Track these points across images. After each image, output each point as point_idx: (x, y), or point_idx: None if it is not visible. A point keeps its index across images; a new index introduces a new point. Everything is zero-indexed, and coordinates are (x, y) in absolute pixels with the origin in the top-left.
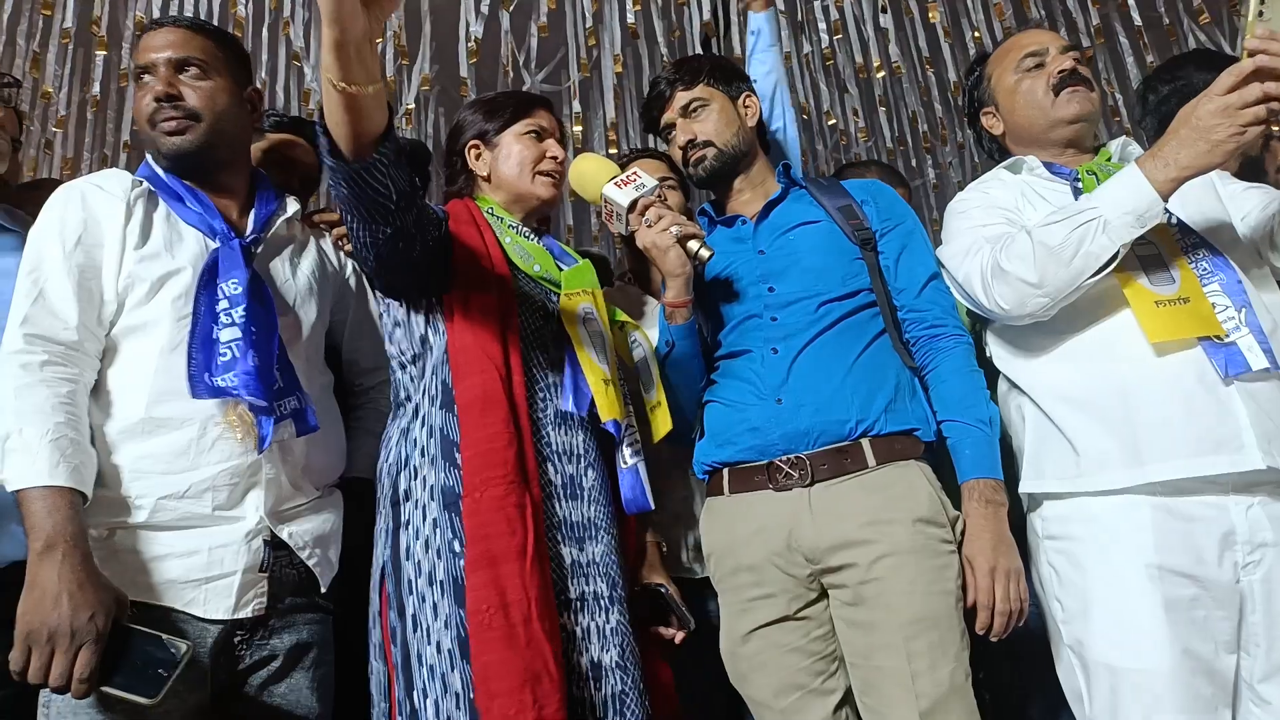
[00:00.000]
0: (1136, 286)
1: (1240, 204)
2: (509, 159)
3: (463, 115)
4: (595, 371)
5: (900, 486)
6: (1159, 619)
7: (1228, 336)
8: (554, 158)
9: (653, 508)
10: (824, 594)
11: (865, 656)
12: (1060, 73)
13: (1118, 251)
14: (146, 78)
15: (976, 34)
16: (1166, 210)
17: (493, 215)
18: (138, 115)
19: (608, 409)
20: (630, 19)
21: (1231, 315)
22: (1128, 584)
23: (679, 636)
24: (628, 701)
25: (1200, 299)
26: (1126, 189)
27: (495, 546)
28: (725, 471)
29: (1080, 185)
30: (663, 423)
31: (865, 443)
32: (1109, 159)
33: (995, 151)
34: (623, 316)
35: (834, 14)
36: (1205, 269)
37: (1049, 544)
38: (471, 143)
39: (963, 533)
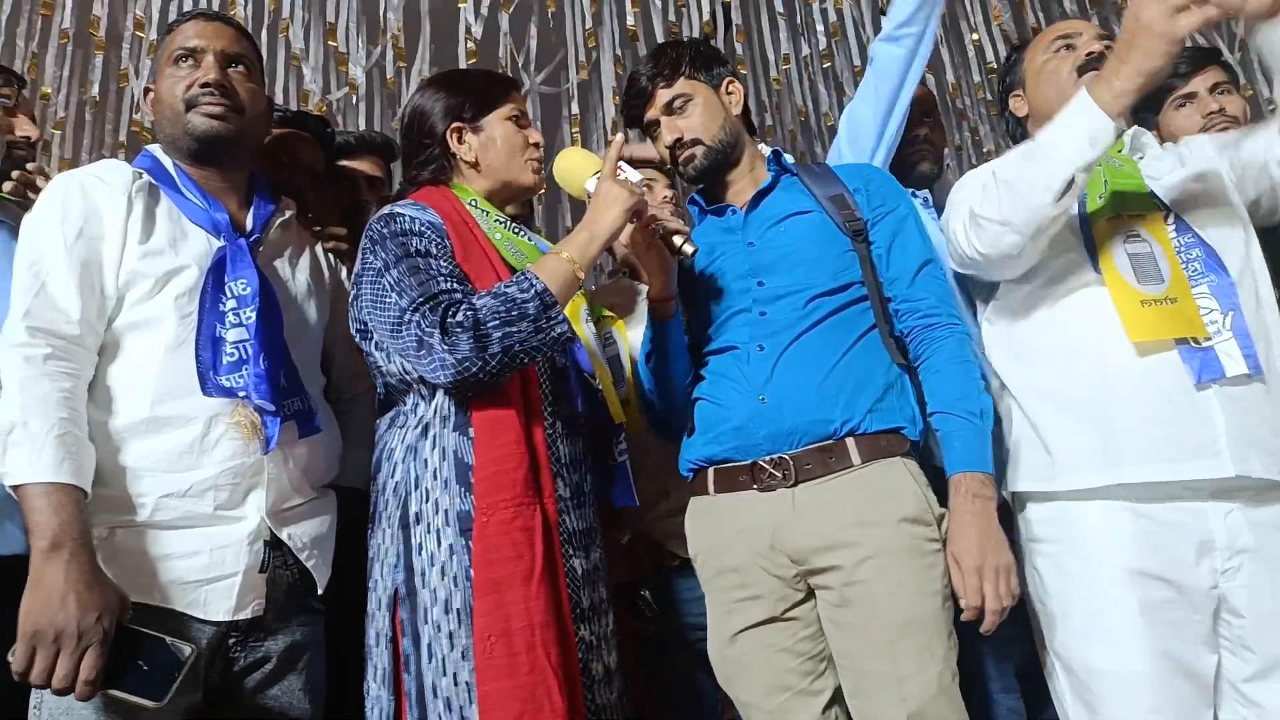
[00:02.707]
0: (1123, 284)
1: (1230, 160)
2: (496, 145)
3: (430, 97)
4: (604, 374)
5: (885, 485)
6: (1135, 622)
7: (1208, 340)
8: (536, 144)
9: (638, 504)
10: (811, 594)
11: (852, 658)
12: (1088, 55)
13: (1074, 179)
14: (187, 62)
15: (975, 36)
16: (1157, 200)
17: (476, 208)
18: (167, 95)
19: (617, 413)
20: (630, 20)
21: (1216, 319)
22: (1105, 588)
23: (652, 629)
24: (625, 702)
25: (1187, 299)
26: (1074, 112)
27: (500, 572)
28: (710, 471)
29: None
30: (627, 419)
31: (850, 441)
32: (1120, 150)
33: (1017, 134)
34: (601, 312)
35: (832, 16)
36: (1197, 269)
37: (1033, 546)
38: (454, 126)
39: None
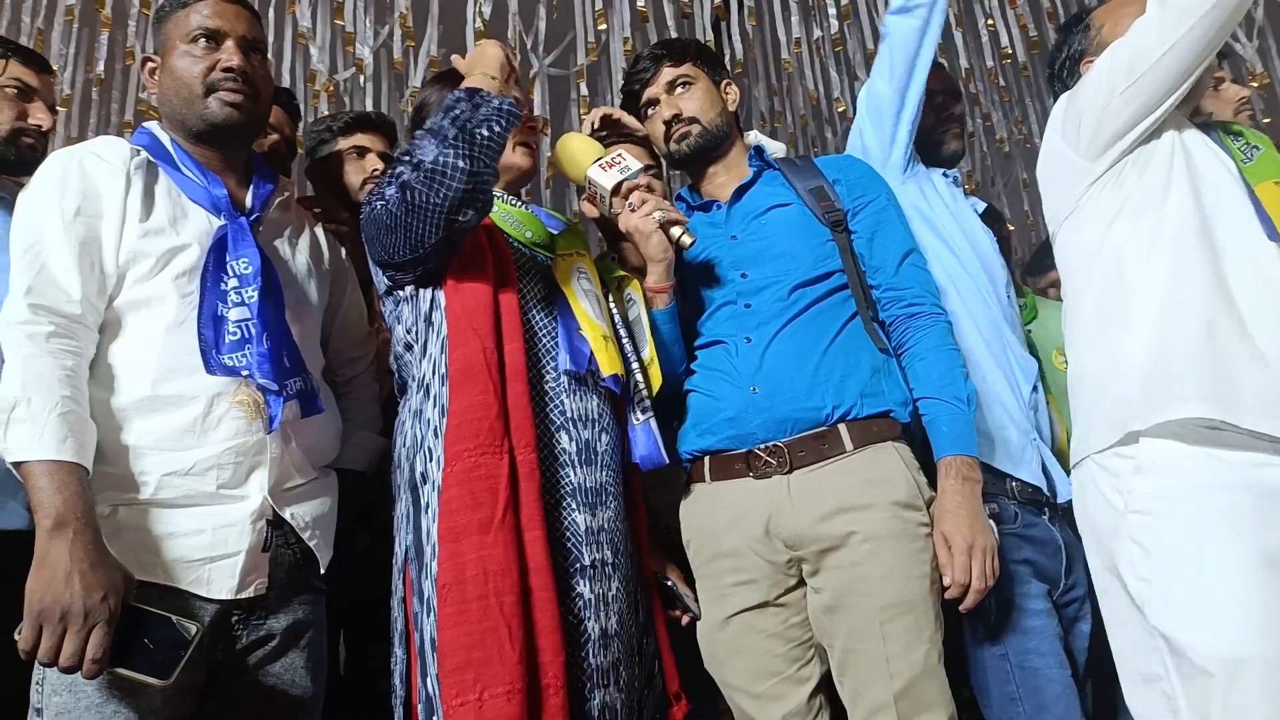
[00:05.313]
0: None
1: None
2: None
3: (431, 89)
4: (593, 328)
5: (877, 469)
6: (1260, 604)
7: None
8: (531, 127)
9: (668, 462)
10: (802, 582)
11: (842, 639)
12: None
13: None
14: (204, 42)
15: (990, 22)
16: None
17: None
18: (183, 74)
19: (608, 364)
20: (640, 2)
21: None
22: (1227, 567)
23: (685, 619)
24: (620, 670)
25: None
26: None
27: (459, 520)
28: (706, 459)
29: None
30: (655, 378)
31: (842, 427)
32: None
33: None
34: (620, 272)
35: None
36: None
37: (1135, 519)
38: None
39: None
